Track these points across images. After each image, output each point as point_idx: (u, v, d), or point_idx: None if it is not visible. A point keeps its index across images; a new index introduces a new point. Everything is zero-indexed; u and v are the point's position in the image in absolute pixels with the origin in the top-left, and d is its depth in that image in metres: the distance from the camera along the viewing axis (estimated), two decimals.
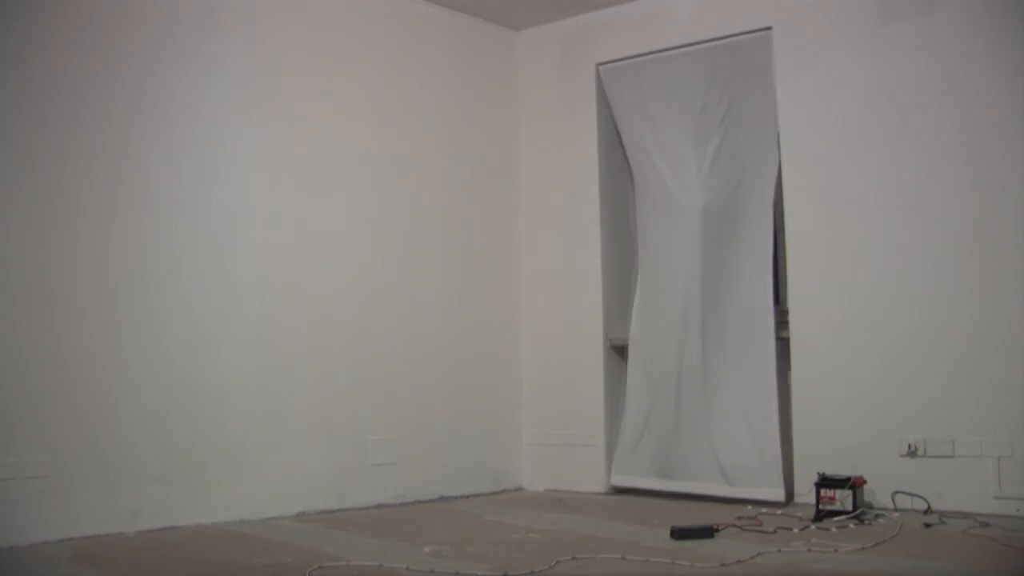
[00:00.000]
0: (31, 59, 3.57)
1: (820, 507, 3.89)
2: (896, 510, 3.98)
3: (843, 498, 3.87)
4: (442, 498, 4.67)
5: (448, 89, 4.97)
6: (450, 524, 3.97)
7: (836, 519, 3.79)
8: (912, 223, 4.11)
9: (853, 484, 3.88)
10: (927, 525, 3.67)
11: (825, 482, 3.93)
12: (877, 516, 3.90)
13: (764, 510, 4.08)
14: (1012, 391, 3.84)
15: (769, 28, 4.50)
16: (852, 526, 3.71)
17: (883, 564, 3.04)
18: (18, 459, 3.45)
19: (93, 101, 3.72)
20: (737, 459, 4.41)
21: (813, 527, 3.69)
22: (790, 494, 4.32)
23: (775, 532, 3.59)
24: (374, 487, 4.45)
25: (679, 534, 3.47)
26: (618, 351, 4.94)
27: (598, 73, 5.04)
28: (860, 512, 3.86)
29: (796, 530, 3.62)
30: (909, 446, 4.05)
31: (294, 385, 4.23)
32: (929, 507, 3.93)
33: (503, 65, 5.27)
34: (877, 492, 4.06)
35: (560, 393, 5.04)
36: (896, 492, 4.02)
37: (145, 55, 3.87)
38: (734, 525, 3.67)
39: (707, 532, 3.50)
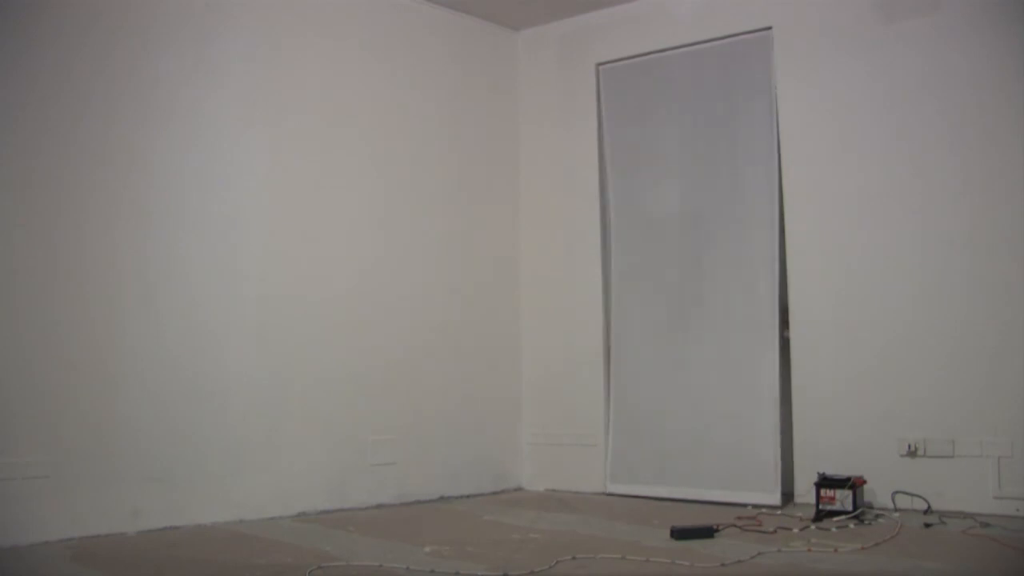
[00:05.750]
0: (34, 62, 3.57)
1: (820, 507, 3.89)
2: (896, 510, 3.98)
3: (843, 498, 3.87)
4: (442, 498, 4.67)
5: (448, 89, 4.97)
6: (450, 524, 3.97)
7: (836, 519, 3.79)
8: (912, 223, 4.11)
9: (853, 484, 3.88)
10: (927, 525, 3.67)
11: (825, 482, 3.93)
12: (877, 516, 3.89)
13: (764, 510, 4.08)
14: (1012, 391, 3.84)
15: (769, 28, 4.50)
16: (852, 526, 3.71)
17: (883, 564, 3.04)
18: (18, 459, 3.45)
19: (96, 103, 3.72)
20: (733, 463, 4.40)
21: (813, 527, 3.69)
22: (790, 495, 4.32)
23: (775, 532, 3.59)
24: (374, 487, 4.45)
25: (679, 534, 3.47)
26: None
27: (598, 73, 5.04)
28: (860, 512, 3.86)
29: (796, 530, 3.62)
30: (909, 446, 4.05)
31: (294, 385, 4.23)
32: (929, 507, 3.93)
33: (503, 65, 5.27)
34: (877, 492, 4.06)
35: (560, 393, 5.04)
36: (896, 492, 4.02)
37: (148, 58, 3.87)
38: (734, 525, 3.67)
39: (707, 532, 3.51)
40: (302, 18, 4.39)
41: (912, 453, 4.04)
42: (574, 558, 3.11)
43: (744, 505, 4.20)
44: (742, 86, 4.59)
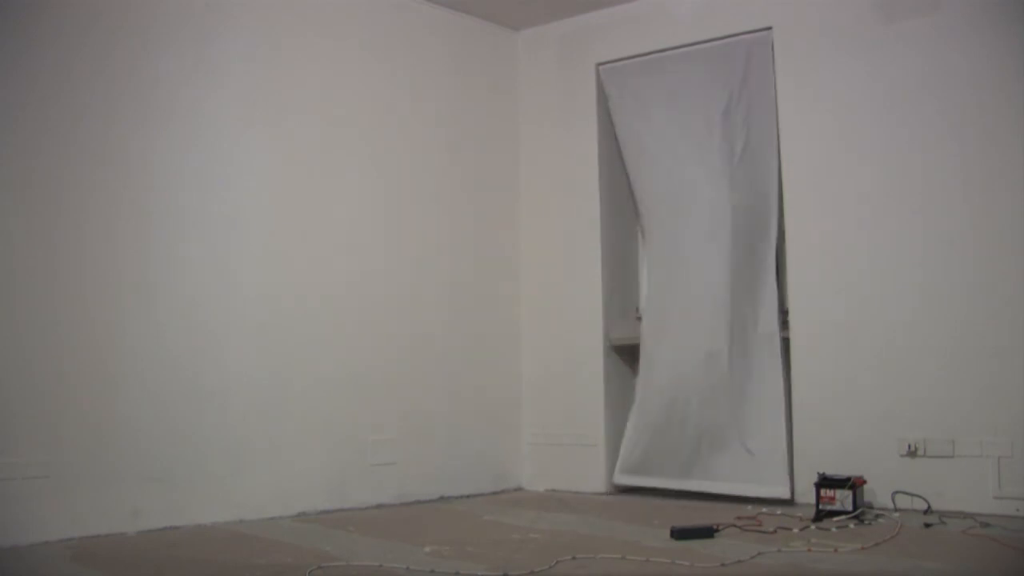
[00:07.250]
0: (34, 62, 3.57)
1: (820, 507, 3.89)
2: (896, 510, 3.98)
3: (843, 498, 3.87)
4: (442, 498, 4.67)
5: (448, 90, 4.97)
6: (450, 524, 3.97)
7: (836, 519, 3.79)
8: (912, 223, 4.11)
9: (853, 484, 3.88)
10: (927, 525, 3.67)
11: (825, 482, 3.93)
12: (877, 516, 3.89)
13: (764, 510, 4.08)
14: (1012, 391, 3.84)
15: (769, 28, 4.50)
16: (852, 526, 3.71)
17: (883, 564, 3.04)
18: (18, 459, 3.45)
19: (96, 103, 3.72)
20: (746, 456, 4.40)
21: (813, 527, 3.69)
22: (790, 494, 4.32)
23: (775, 532, 3.59)
24: (374, 487, 4.45)
25: (679, 534, 3.47)
26: (618, 351, 4.94)
27: (598, 73, 5.04)
28: (860, 512, 3.86)
29: (796, 530, 3.62)
30: (909, 446, 4.05)
31: (294, 385, 4.23)
32: (929, 507, 3.93)
33: (503, 65, 5.27)
34: (877, 492, 4.06)
35: (560, 393, 5.04)
36: (896, 492, 4.01)
37: (148, 58, 3.87)
38: (734, 525, 3.67)
39: (707, 532, 3.50)
40: (302, 18, 4.39)
41: (912, 453, 4.04)
42: (574, 558, 3.11)
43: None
44: (742, 86, 4.58)
